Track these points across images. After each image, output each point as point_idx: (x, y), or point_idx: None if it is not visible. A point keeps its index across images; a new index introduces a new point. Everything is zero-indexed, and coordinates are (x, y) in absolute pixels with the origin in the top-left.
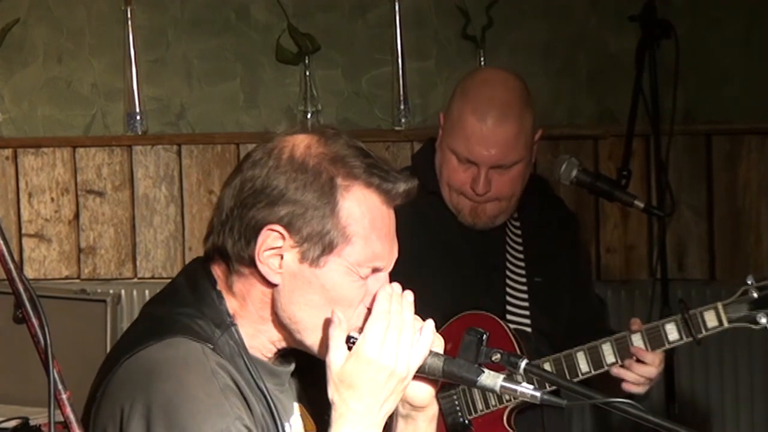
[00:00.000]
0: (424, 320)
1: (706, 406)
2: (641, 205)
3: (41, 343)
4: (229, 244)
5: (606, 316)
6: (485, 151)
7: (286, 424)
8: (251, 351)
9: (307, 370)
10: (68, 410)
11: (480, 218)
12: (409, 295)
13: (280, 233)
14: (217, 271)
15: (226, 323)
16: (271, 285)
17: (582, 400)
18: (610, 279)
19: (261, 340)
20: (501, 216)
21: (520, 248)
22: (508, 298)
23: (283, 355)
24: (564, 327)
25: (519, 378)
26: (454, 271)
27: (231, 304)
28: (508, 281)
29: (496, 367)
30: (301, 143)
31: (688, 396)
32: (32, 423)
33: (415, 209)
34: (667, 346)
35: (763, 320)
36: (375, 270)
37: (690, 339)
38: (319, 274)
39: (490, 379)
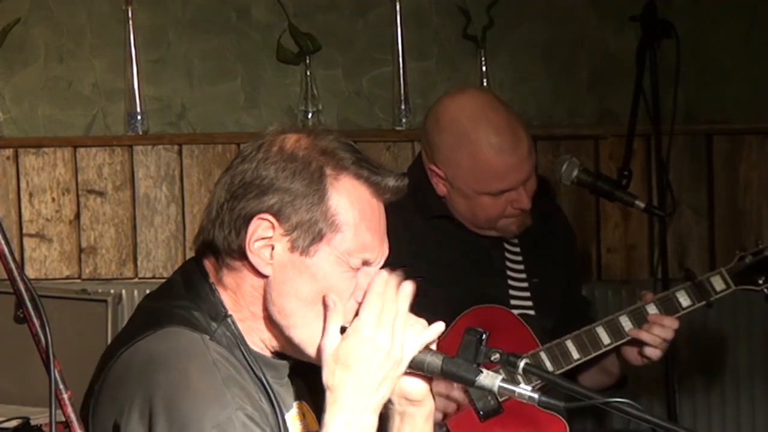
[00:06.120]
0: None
1: (706, 386)
2: (642, 205)
3: (42, 342)
4: (220, 238)
5: (593, 314)
6: (520, 174)
7: (286, 414)
8: (248, 344)
9: (310, 368)
10: (69, 410)
11: (525, 224)
12: (406, 286)
13: (270, 222)
14: (208, 265)
15: (221, 315)
16: (263, 277)
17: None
18: (611, 279)
19: (253, 338)
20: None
21: (517, 250)
22: (512, 301)
23: (278, 352)
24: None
25: (519, 378)
26: (461, 285)
27: (224, 297)
28: (510, 282)
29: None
30: (291, 138)
31: (688, 376)
32: (33, 423)
33: (413, 235)
34: (681, 312)
35: (760, 281)
36: (365, 263)
37: (702, 303)
38: (309, 263)
39: (489, 379)
